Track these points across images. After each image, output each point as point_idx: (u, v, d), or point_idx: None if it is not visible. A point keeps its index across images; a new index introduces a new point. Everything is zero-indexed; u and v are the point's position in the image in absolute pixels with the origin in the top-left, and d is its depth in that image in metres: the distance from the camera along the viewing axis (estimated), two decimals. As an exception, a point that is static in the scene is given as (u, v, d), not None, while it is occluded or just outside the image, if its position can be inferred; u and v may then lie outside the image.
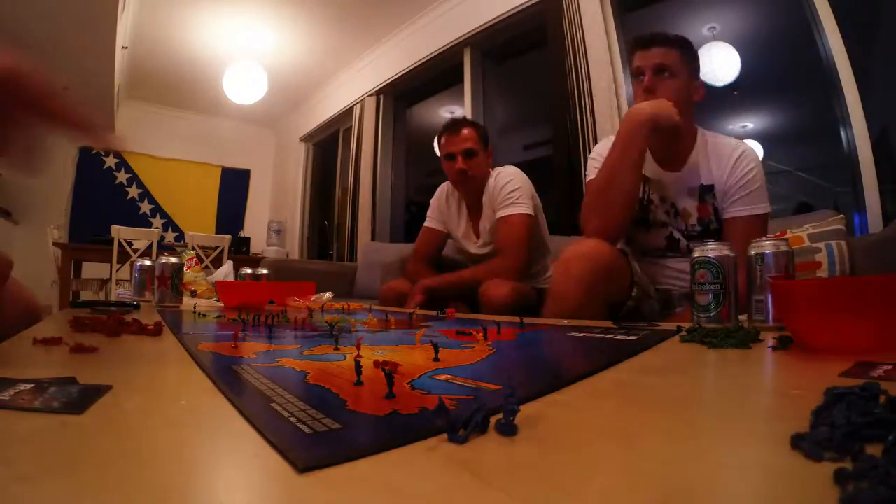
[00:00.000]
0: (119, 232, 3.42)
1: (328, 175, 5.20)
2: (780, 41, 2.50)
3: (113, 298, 2.56)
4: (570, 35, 2.59)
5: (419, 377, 0.41)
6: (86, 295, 3.67)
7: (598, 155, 1.31)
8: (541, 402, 0.34)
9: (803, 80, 2.36)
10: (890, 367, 0.40)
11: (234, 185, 5.92)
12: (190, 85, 4.83)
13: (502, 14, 3.08)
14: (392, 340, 0.68)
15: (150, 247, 3.55)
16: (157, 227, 5.18)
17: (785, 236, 1.61)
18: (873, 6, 2.03)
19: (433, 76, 3.88)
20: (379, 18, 3.80)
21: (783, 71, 2.62)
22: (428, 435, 0.26)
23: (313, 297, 1.40)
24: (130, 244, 3.55)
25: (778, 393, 0.42)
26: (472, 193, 1.77)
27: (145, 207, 5.40)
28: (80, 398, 0.32)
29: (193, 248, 3.15)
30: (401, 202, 4.28)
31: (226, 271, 2.14)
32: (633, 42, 1.26)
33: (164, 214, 5.46)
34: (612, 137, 1.31)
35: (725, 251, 0.79)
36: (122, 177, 5.31)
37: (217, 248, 4.01)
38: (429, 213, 1.92)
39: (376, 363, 0.45)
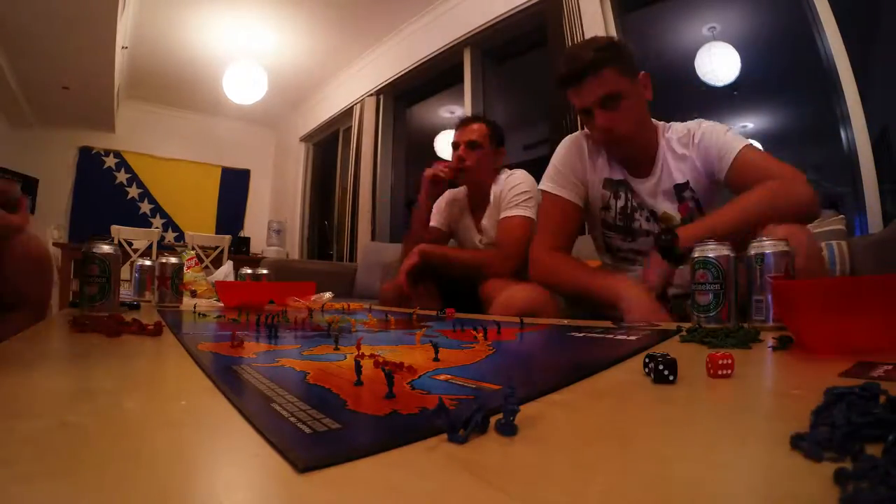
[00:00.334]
0: (119, 232, 3.43)
1: (328, 175, 5.20)
2: (780, 41, 2.50)
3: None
4: (570, 35, 2.59)
5: (419, 377, 0.41)
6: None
7: (555, 169, 1.25)
8: (541, 402, 0.34)
9: (803, 80, 2.37)
10: (890, 367, 0.40)
11: (234, 185, 5.92)
12: (190, 85, 4.83)
13: (502, 14, 3.08)
14: (392, 340, 0.68)
15: (150, 247, 3.55)
16: (157, 227, 5.18)
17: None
18: (873, 6, 2.03)
19: (433, 76, 3.88)
20: (379, 18, 3.80)
21: (783, 71, 2.63)
22: (428, 435, 0.26)
23: (313, 297, 1.40)
24: (130, 244, 3.55)
25: (778, 393, 0.42)
26: (475, 190, 1.77)
27: (145, 207, 5.40)
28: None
29: (193, 248, 3.16)
30: (401, 202, 4.28)
31: (226, 271, 2.14)
32: (562, 80, 1.15)
33: (164, 214, 5.46)
34: (578, 135, 1.28)
35: (725, 251, 0.79)
36: (122, 177, 5.31)
37: (217, 248, 4.01)
38: (433, 211, 1.91)
39: (376, 363, 0.45)
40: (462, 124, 1.75)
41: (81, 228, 4.67)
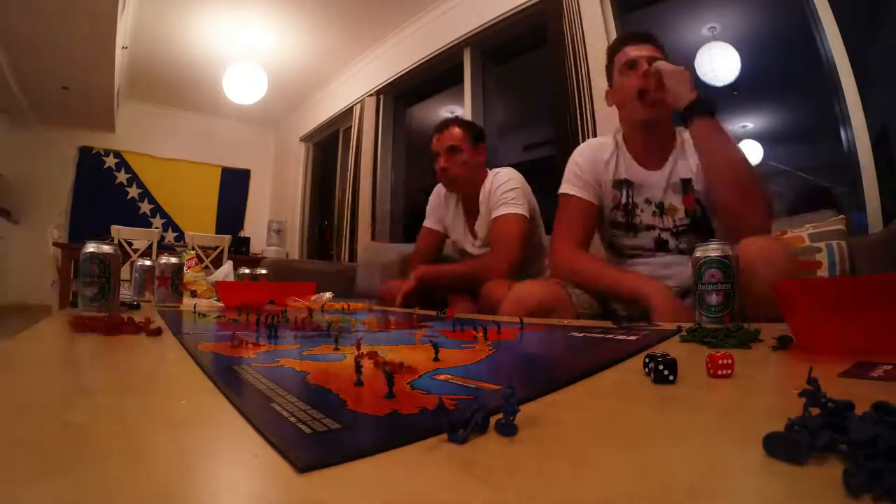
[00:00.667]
0: (119, 232, 3.42)
1: (328, 175, 5.20)
2: (780, 41, 2.50)
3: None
4: (570, 35, 2.59)
5: (419, 377, 0.41)
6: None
7: (576, 165, 1.34)
8: (541, 402, 0.34)
9: (803, 80, 2.36)
10: (890, 367, 0.40)
11: (234, 185, 5.92)
12: (190, 85, 4.83)
13: (502, 14, 3.08)
14: (392, 340, 0.68)
15: (150, 247, 3.55)
16: (157, 227, 5.18)
17: (785, 236, 1.61)
18: (873, 6, 2.03)
19: (433, 76, 3.88)
20: (379, 18, 3.80)
21: (783, 71, 2.62)
22: (428, 435, 0.26)
23: (313, 297, 1.40)
24: (130, 244, 3.55)
25: (778, 393, 0.42)
26: (466, 194, 1.78)
27: (145, 207, 5.40)
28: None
29: (193, 248, 3.15)
30: (401, 202, 4.28)
31: (226, 271, 2.14)
32: (622, 38, 1.33)
33: (164, 214, 5.46)
34: (592, 142, 1.41)
35: (728, 250, 0.79)
36: (122, 177, 5.31)
37: (217, 248, 4.01)
38: (427, 213, 1.93)
39: (376, 363, 0.45)
40: (438, 131, 1.78)
41: (81, 228, 4.67)
